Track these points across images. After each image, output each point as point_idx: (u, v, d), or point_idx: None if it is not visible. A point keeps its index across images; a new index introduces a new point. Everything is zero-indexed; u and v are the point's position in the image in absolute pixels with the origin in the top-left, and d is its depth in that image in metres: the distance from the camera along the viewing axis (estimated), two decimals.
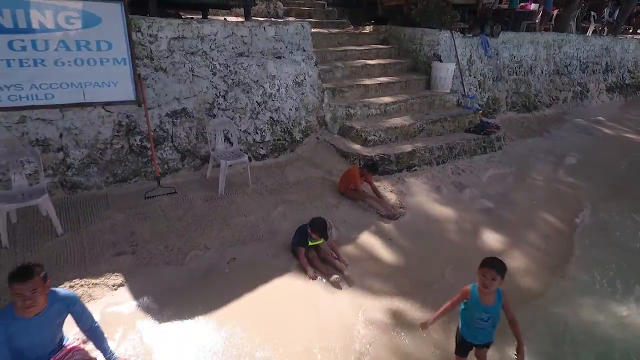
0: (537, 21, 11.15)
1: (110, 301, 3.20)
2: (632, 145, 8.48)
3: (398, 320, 3.26)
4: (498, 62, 9.19)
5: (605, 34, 13.11)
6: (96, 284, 3.34)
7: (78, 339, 2.71)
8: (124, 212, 4.26)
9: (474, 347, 2.69)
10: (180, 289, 3.41)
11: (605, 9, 13.08)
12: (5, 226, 3.57)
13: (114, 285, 3.35)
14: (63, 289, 2.56)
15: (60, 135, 4.27)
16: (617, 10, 12.97)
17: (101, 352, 2.65)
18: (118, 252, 3.70)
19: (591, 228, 5.01)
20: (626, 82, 13.51)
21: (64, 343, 2.59)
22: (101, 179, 4.54)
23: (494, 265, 2.45)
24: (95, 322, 2.64)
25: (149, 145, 4.70)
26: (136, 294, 3.29)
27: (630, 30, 17.01)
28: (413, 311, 3.35)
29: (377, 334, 3.11)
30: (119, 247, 3.76)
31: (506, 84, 9.31)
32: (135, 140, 4.69)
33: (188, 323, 3.08)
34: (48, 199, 3.72)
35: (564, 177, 6.40)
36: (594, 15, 13.17)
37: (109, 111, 4.46)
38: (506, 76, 9.37)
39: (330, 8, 10.73)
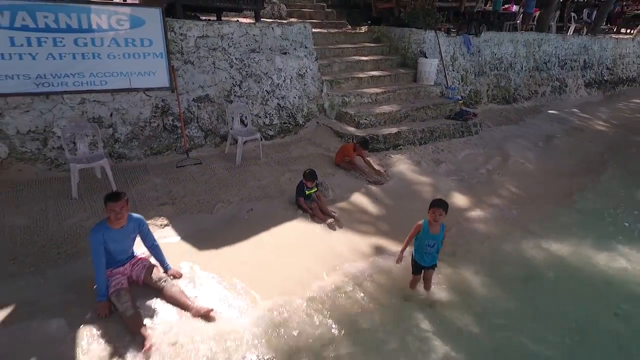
0: (518, 22, 12.17)
1: (160, 235, 4.22)
2: (597, 133, 9.50)
3: (377, 250, 4.30)
4: (480, 58, 10.22)
5: (584, 33, 14.11)
6: (148, 224, 4.37)
7: (143, 253, 3.75)
8: (161, 177, 5.30)
9: (423, 269, 3.69)
10: (210, 229, 4.44)
11: (584, 11, 14.09)
12: (76, 181, 4.62)
13: (161, 225, 4.38)
14: (136, 214, 3.58)
15: (111, 115, 5.32)
16: (595, 12, 13.97)
17: (159, 262, 3.70)
18: (161, 203, 4.74)
19: (539, 193, 6.04)
20: (605, 78, 14.53)
21: (135, 254, 3.64)
22: (141, 152, 5.59)
23: (441, 204, 3.47)
24: (155, 241, 3.70)
25: (179, 125, 5.75)
26: (178, 232, 4.33)
27: (615, 30, 18.04)
28: (389, 246, 4.38)
29: (360, 258, 4.15)
30: (161, 200, 4.79)
31: (487, 78, 10.35)
32: (168, 120, 5.74)
33: (218, 249, 4.11)
34: (107, 162, 4.77)
35: (529, 156, 7.42)
36: (574, 17, 14.20)
37: (148, 95, 5.51)
38: (487, 71, 10.40)
39: (330, 10, 11.76)
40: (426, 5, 8.68)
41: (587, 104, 12.40)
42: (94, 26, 4.93)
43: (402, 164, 6.38)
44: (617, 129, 9.94)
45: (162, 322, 3.17)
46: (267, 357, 2.94)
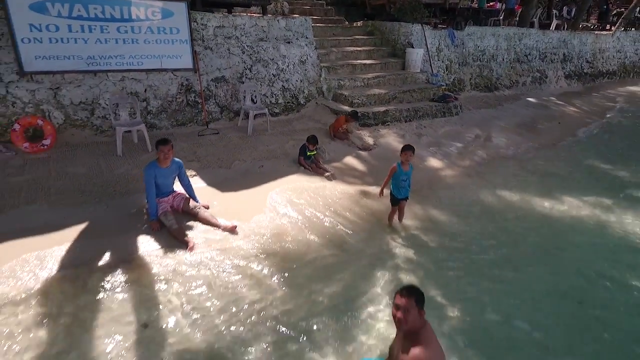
0: (501, 18, 13.26)
1: (191, 182, 5.32)
2: (567, 116, 10.58)
3: (361, 194, 5.39)
4: (464, 50, 11.31)
5: (565, 29, 15.18)
6: None
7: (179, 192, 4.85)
8: (186, 142, 6.39)
9: (399, 201, 4.77)
10: (229, 179, 5.53)
11: (564, 8, 15.17)
12: (121, 142, 5.72)
13: (190, 175, 5.43)
14: (177, 158, 4.66)
15: (145, 90, 6.42)
16: (574, 9, 15.06)
17: (192, 197, 4.79)
18: (188, 160, 5.83)
19: (504, 158, 7.13)
20: (585, 71, 15.62)
21: (175, 190, 4.73)
22: (168, 122, 6.68)
23: (410, 147, 4.56)
24: (189, 181, 4.79)
25: (200, 101, 6.84)
26: (204, 180, 5.42)
27: (600, 27, 19.08)
28: (373, 191, 5.46)
29: (347, 199, 5.24)
30: (188, 158, 5.88)
31: (470, 68, 11.44)
32: (191, 97, 6.84)
33: (236, 192, 5.20)
34: (144, 126, 5.87)
35: (501, 132, 8.51)
36: (555, 13, 15.28)
37: (175, 75, 6.61)
38: (471, 62, 11.49)
39: (329, 7, 12.84)
40: (413, 2, 9.77)
41: (566, 93, 13.47)
42: (133, 16, 6.03)
43: (388, 137, 7.47)
44: (585, 113, 11.03)
45: (199, 233, 4.27)
46: (268, 253, 4.04)
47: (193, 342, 3.00)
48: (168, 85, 6.59)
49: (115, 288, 3.47)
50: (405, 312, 2.32)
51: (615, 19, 19.19)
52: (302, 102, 8.10)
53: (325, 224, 4.65)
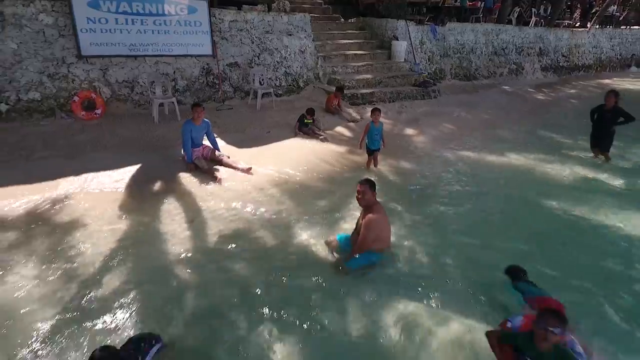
0: (481, 15, 14.72)
1: None
2: (535, 101, 12.04)
3: (347, 151, 6.86)
4: (445, 44, 12.77)
5: (541, 25, 16.62)
6: None
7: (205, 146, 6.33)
8: (207, 115, 7.85)
9: (373, 152, 6.23)
10: (244, 140, 7.00)
11: (541, 6, 16.63)
12: (157, 111, 7.20)
13: None
14: (206, 119, 6.12)
15: (174, 72, 7.90)
16: (550, 7, 16.52)
17: (216, 149, 6.26)
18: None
19: (470, 129, 8.59)
20: (561, 64, 17.08)
21: (203, 143, 6.21)
22: (191, 99, 8.15)
23: (378, 109, 6.03)
24: (214, 137, 6.27)
25: (217, 82, 8.32)
26: (224, 140, 6.87)
27: (581, 24, 20.47)
28: (355, 149, 6.92)
29: (336, 154, 6.71)
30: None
31: (451, 59, 12.90)
32: (210, 78, 8.32)
33: (250, 149, 6.67)
34: (175, 100, 7.35)
35: (472, 112, 9.97)
36: (534, 11, 16.73)
37: (198, 60, 8.09)
38: (451, 54, 12.96)
39: (327, 6, 14.32)
40: (398, 1, 11.23)
41: (540, 84, 14.91)
42: (166, 12, 7.52)
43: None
44: (552, 98, 12.48)
45: (224, 173, 5.75)
46: (276, 184, 5.52)
47: (224, 230, 4.46)
48: (192, 68, 8.07)
49: (168, 201, 4.95)
50: (362, 194, 3.80)
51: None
52: (301, 85, 9.58)
53: (319, 168, 6.14)
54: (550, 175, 6.40)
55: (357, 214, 4.11)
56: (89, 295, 3.34)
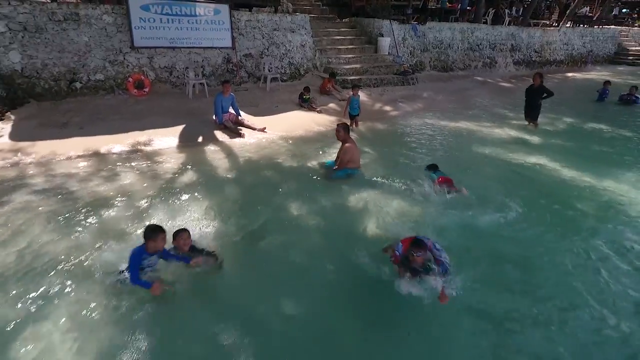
0: (458, 15, 16.88)
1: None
2: (501, 88, 14.19)
3: (335, 120, 9.03)
4: (425, 40, 14.93)
5: (514, 25, 18.75)
6: None
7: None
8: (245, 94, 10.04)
9: (354, 117, 8.41)
10: (258, 111, 9.16)
11: (513, 8, 18.78)
12: (191, 90, 9.38)
13: None
14: (232, 92, 8.29)
15: (202, 60, 10.08)
16: (521, 9, 18.67)
17: (239, 115, 8.45)
18: None
19: (441, 109, 10.74)
20: (533, 59, 19.22)
21: (229, 111, 8.39)
22: (216, 82, 10.31)
23: (357, 85, 8.23)
24: (237, 106, 8.47)
25: (235, 69, 10.49)
26: (242, 111, 9.04)
27: (555, 24, 22.59)
28: (341, 118, 9.08)
29: (327, 121, 8.88)
30: None
31: (430, 54, 15.06)
32: (230, 66, 10.49)
33: (262, 117, 8.84)
34: (204, 81, 9.53)
35: (443, 96, 12.13)
36: (508, 12, 18.87)
37: (221, 51, 10.26)
38: (431, 49, 15.12)
39: (324, 7, 16.51)
40: (383, 4, 13.40)
41: (512, 76, 17.04)
42: (197, 13, 9.69)
43: (360, 95, 11.08)
44: (516, 87, 14.62)
45: (245, 132, 7.92)
46: (284, 137, 7.70)
47: (248, 162, 6.64)
48: (216, 57, 10.25)
49: (208, 147, 7.13)
50: (337, 132, 5.98)
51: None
52: (302, 72, 11.76)
53: (314, 129, 8.33)
54: (491, 135, 8.59)
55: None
56: (174, 189, 5.52)
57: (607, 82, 12.36)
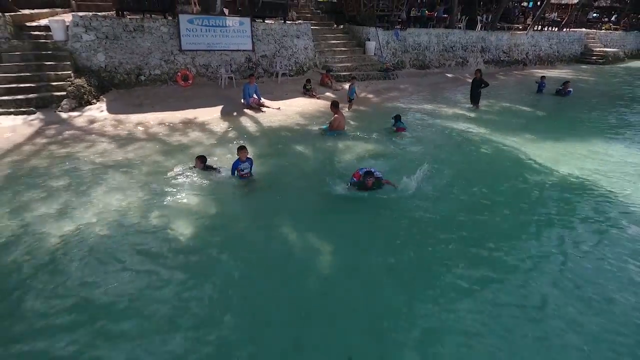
0: (434, 22, 20.13)
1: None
2: (468, 83, 17.40)
3: (331, 104, 12.30)
4: (406, 43, 18.17)
5: (485, 29, 21.97)
6: None
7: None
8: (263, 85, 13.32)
9: (350, 100, 11.70)
10: (272, 98, 12.43)
11: (484, 15, 22.03)
12: (223, 82, 12.67)
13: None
14: (256, 82, 11.54)
15: (230, 60, 13.36)
16: (490, 16, 21.93)
17: (260, 99, 11.76)
18: None
19: (413, 99, 13.99)
20: (502, 59, 22.46)
21: (253, 96, 11.69)
22: (240, 76, 13.58)
23: (354, 78, 11.49)
24: (259, 93, 11.78)
25: (254, 66, 13.77)
26: (261, 95, 12.32)
27: (534, 28, 25.72)
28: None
29: (325, 104, 12.13)
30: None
31: (410, 54, 18.32)
32: (250, 64, 13.77)
33: (276, 101, 12.11)
34: (232, 75, 12.83)
35: (416, 88, 15.38)
36: (480, 19, 22.12)
37: (244, 53, 13.55)
38: (410, 50, 18.37)
39: (323, 15, 19.80)
40: (370, 14, 16.66)
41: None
42: (226, 24, 12.96)
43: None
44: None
45: (266, 109, 11.21)
46: (294, 112, 10.99)
47: (270, 128, 9.92)
48: (240, 58, 13.52)
49: (241, 119, 10.42)
50: (331, 107, 9.28)
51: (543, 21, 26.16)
52: (305, 69, 15.03)
53: (315, 109, 11.61)
54: (445, 113, 11.86)
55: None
56: (225, 139, 8.79)
57: (543, 77, 15.62)
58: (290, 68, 14.71)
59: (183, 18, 12.28)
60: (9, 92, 9.82)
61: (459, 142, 9.28)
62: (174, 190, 6.24)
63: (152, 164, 7.22)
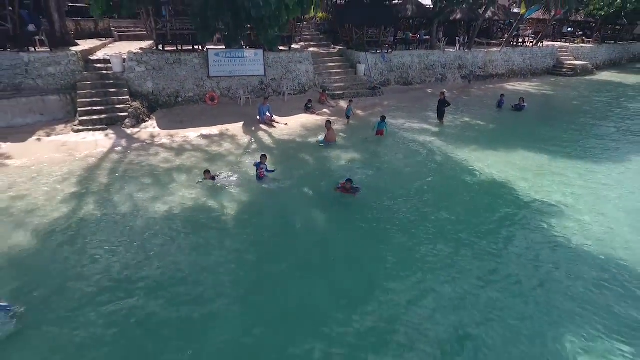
0: (417, 44, 23.52)
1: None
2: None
3: (326, 118, 15.70)
4: (391, 64, 21.54)
5: (463, 49, 25.31)
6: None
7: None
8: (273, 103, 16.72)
9: (348, 117, 15.10)
10: (280, 114, 15.83)
11: (461, 36, 25.40)
12: (243, 101, 16.08)
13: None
14: (268, 103, 14.93)
15: (247, 83, 16.78)
16: (466, 37, 25.30)
17: (272, 116, 15.19)
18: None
19: (397, 107, 17.39)
20: (477, 74, 25.82)
21: (267, 114, 15.12)
22: (255, 97, 16.97)
23: (351, 100, 14.89)
24: (271, 111, 15.22)
25: (266, 88, 17.18)
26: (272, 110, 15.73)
27: (512, 42, 29.04)
28: (332, 119, 15.70)
29: (322, 120, 15.53)
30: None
31: (395, 73, 21.69)
32: (262, 86, 17.18)
33: (284, 117, 15.52)
34: (249, 96, 16.25)
35: (398, 102, 18.75)
36: (458, 39, 25.49)
37: (257, 78, 16.97)
38: (395, 70, 21.75)
39: (322, 36, 23.23)
40: (360, 40, 20.05)
41: (458, 87, 23.63)
42: (244, 56, 16.37)
43: (343, 103, 17.74)
44: (455, 95, 21.23)
45: (276, 125, 14.62)
46: (298, 126, 14.41)
47: (279, 137, 13.32)
48: (255, 82, 16.93)
49: (258, 131, 13.83)
50: (326, 125, 12.71)
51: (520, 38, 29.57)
52: (306, 89, 18.43)
53: (314, 124, 15.02)
54: (413, 128, 15.22)
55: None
56: (248, 147, 12.20)
57: (502, 95, 18.96)
58: (294, 88, 18.11)
59: (211, 52, 15.69)
60: (86, 113, 13.25)
61: (417, 151, 12.65)
62: (218, 185, 9.64)
63: (202, 169, 10.63)
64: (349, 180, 9.23)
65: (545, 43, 33.79)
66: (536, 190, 10.03)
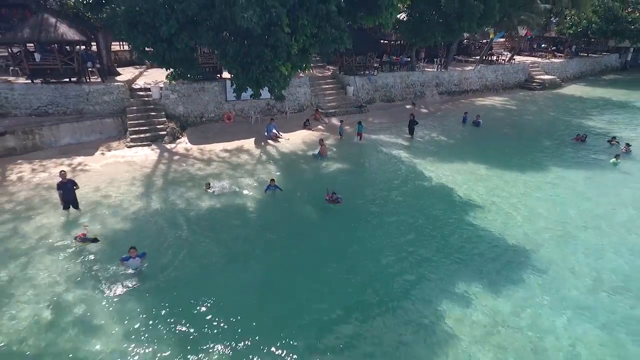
0: (399, 66, 27.55)
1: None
2: (421, 114, 24.76)
3: (321, 135, 19.71)
4: (377, 84, 25.54)
5: (440, 69, 29.29)
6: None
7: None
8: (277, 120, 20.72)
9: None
10: (283, 130, 19.82)
11: (440, 58, 29.43)
12: (254, 120, 20.10)
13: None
14: (275, 122, 18.93)
15: (256, 105, 20.80)
16: (443, 59, 29.35)
17: (278, 132, 19.23)
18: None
19: (382, 122, 21.39)
20: (453, 90, 29.83)
21: (273, 131, 19.16)
22: (263, 116, 20.96)
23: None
24: (278, 129, 19.27)
25: (271, 108, 21.20)
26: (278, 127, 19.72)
27: (485, 59, 33.02)
28: (325, 135, 19.68)
29: (317, 136, 19.54)
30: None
31: (380, 92, 25.70)
32: (268, 107, 21.20)
33: (287, 133, 19.53)
34: (259, 116, 20.27)
35: (382, 118, 22.74)
36: (436, 60, 29.50)
37: (265, 100, 20.97)
38: (380, 89, 25.75)
39: (317, 57, 27.22)
40: (349, 65, 24.10)
41: (434, 103, 27.61)
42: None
43: (335, 120, 21.72)
44: (430, 112, 25.20)
45: (280, 140, 18.65)
46: (299, 141, 18.45)
47: (283, 149, 17.34)
48: (262, 103, 20.95)
49: (267, 144, 17.86)
50: (319, 142, 16.76)
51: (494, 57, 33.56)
52: (304, 108, 22.45)
53: (311, 140, 19.04)
54: (386, 142, 19.22)
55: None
56: (260, 158, 16.22)
57: (466, 112, 22.95)
58: (295, 108, 22.12)
59: (228, 82, 19.68)
60: (135, 132, 17.27)
61: (389, 161, 16.61)
62: (244, 190, 13.64)
63: (229, 176, 14.63)
64: (334, 193, 13.19)
65: (520, 58, 37.88)
66: (471, 192, 14.04)
